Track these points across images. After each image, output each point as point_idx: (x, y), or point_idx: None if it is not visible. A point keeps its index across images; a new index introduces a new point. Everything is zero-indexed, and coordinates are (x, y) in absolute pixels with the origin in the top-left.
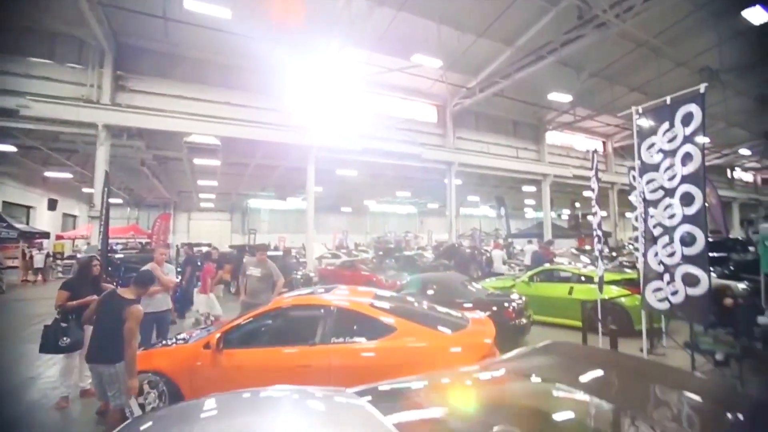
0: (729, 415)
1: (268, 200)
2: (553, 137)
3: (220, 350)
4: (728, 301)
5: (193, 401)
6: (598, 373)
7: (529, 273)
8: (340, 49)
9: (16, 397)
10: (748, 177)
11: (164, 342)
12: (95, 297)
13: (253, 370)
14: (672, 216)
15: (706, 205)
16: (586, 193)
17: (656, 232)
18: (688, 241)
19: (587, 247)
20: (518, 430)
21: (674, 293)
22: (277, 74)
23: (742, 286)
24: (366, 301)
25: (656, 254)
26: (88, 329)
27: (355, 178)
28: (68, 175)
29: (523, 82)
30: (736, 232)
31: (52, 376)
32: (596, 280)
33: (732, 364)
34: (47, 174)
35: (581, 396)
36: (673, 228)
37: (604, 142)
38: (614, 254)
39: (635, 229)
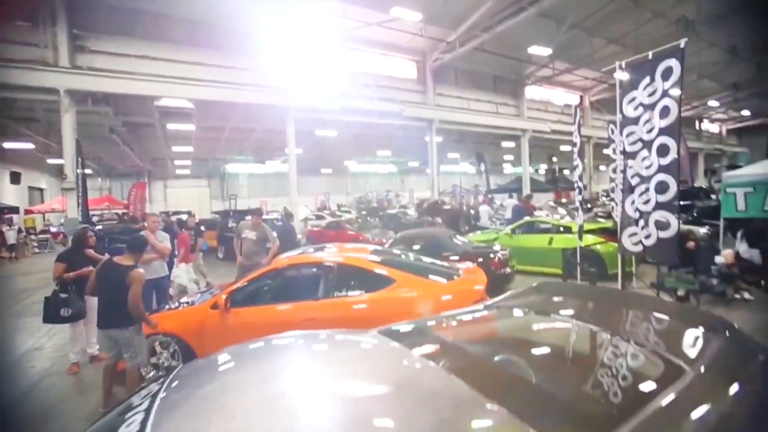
0: (692, 329)
1: (246, 164)
2: (532, 92)
3: (228, 310)
4: (690, 244)
5: (231, 348)
6: (587, 303)
7: (512, 226)
8: (317, 2)
9: (27, 367)
10: (714, 128)
11: (169, 306)
12: (92, 268)
13: (260, 326)
14: (649, 166)
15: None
16: (563, 148)
17: (633, 181)
18: (661, 189)
19: (564, 200)
20: (518, 358)
21: (647, 237)
22: (251, 31)
23: (703, 230)
24: (364, 257)
25: (633, 202)
26: (90, 299)
27: (335, 139)
28: (29, 146)
29: (504, 35)
30: (701, 182)
31: (55, 345)
32: (575, 230)
33: (691, 298)
34: (5, 145)
35: (574, 323)
36: (649, 177)
37: (581, 96)
38: (589, 206)
39: (612, 180)
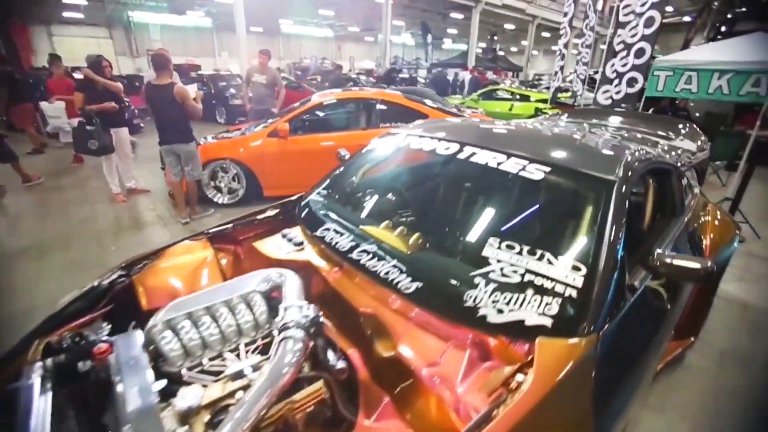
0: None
1: (159, 13)
2: None
3: (287, 137)
4: None
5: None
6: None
7: (478, 92)
8: None
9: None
10: None
11: (222, 135)
12: (113, 104)
13: (317, 152)
14: (634, 35)
15: None
16: (508, 26)
17: (618, 48)
18: (639, 54)
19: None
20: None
21: (618, 92)
22: None
23: None
24: (400, 95)
25: (613, 65)
26: (117, 133)
27: None
28: None
29: None
30: None
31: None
32: (533, 98)
33: None
34: None
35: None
36: (632, 45)
37: None
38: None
39: (562, 58)
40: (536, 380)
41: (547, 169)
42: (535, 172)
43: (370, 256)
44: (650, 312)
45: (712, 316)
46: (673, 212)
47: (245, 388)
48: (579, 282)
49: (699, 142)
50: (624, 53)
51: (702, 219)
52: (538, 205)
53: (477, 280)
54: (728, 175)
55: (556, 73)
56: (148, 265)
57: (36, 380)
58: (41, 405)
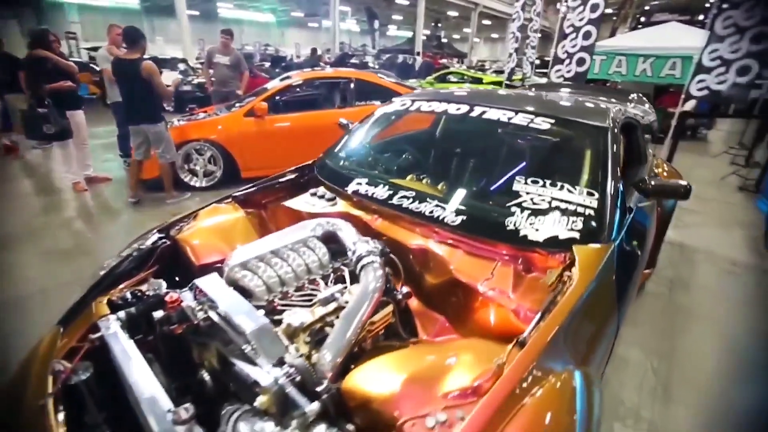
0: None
1: None
2: None
3: (263, 117)
4: None
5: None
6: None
7: (433, 75)
8: None
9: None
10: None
11: (193, 117)
12: (69, 83)
13: (297, 130)
14: (581, 19)
15: None
16: (451, 12)
17: (568, 30)
18: (586, 36)
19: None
20: None
21: (569, 71)
22: None
23: None
24: (374, 74)
25: (563, 46)
26: (74, 116)
27: None
28: None
29: None
30: None
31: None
32: (486, 80)
33: None
34: None
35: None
36: (580, 28)
37: None
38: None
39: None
40: (581, 273)
41: (552, 120)
42: (543, 124)
43: (411, 200)
44: (640, 229)
45: (660, 256)
46: (640, 160)
47: (335, 311)
48: (594, 204)
49: (647, 107)
50: (573, 35)
51: (657, 169)
52: (549, 149)
53: (513, 209)
54: (654, 148)
55: (510, 54)
56: (185, 226)
57: (118, 330)
58: (131, 349)
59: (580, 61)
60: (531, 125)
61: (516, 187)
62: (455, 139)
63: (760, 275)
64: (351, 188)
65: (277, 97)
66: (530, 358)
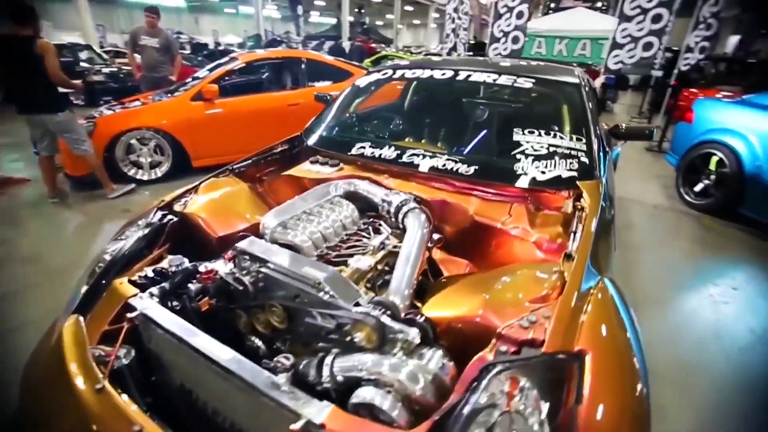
0: None
1: None
2: None
3: (213, 101)
4: None
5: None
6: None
7: (371, 59)
8: None
9: None
10: None
11: (124, 105)
12: None
13: (250, 113)
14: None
15: None
16: None
17: (502, 11)
18: (519, 15)
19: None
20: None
21: (505, 48)
22: None
23: None
24: (324, 55)
25: (499, 26)
26: None
27: None
28: None
29: None
30: None
31: None
32: None
33: None
34: None
35: None
36: (513, 8)
37: None
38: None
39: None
40: (591, 200)
41: (533, 80)
42: (525, 83)
43: (421, 156)
44: (612, 168)
45: None
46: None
47: (386, 258)
48: (584, 147)
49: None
50: (507, 15)
51: None
52: (536, 104)
53: (518, 156)
54: None
55: (447, 35)
56: (190, 201)
57: (158, 306)
58: (183, 322)
59: (515, 39)
60: (515, 85)
61: (516, 137)
62: (446, 103)
63: (676, 214)
64: (355, 151)
65: (226, 79)
66: (581, 266)
